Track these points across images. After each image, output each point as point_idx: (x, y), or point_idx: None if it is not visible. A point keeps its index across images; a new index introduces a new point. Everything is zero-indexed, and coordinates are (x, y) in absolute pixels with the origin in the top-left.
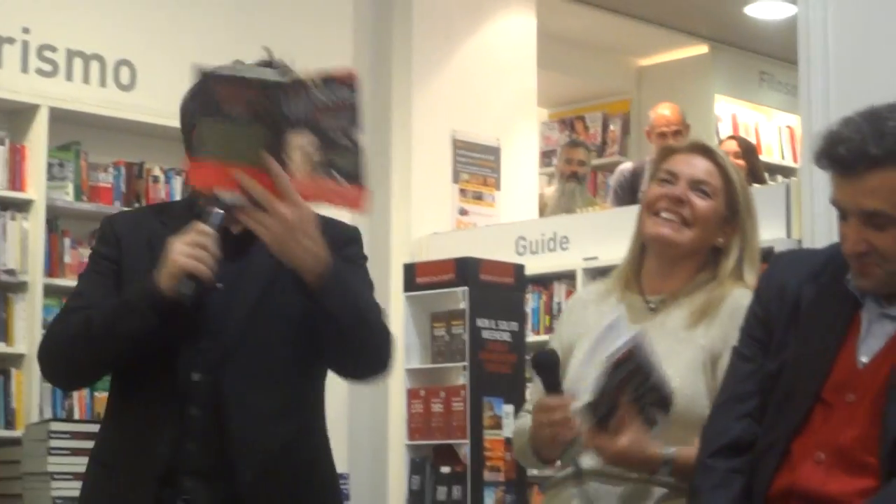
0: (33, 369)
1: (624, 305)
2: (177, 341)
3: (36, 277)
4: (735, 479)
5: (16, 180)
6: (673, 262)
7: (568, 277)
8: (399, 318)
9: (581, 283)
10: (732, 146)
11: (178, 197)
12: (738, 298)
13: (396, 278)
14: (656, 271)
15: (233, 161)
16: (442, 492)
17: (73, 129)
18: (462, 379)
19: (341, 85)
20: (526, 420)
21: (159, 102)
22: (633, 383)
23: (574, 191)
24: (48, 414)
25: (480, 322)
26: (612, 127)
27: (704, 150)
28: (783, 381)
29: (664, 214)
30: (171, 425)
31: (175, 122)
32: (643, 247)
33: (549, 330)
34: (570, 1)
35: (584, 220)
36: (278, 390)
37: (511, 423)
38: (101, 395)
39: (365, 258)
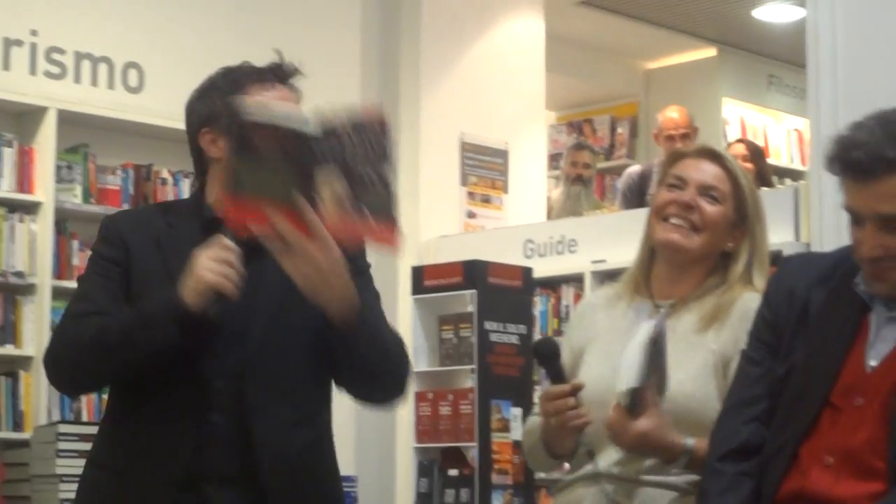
0: (41, 371)
1: (633, 310)
2: (196, 349)
3: (44, 280)
4: (744, 482)
5: (24, 182)
6: (683, 268)
7: (576, 280)
8: (407, 321)
9: (589, 286)
10: (740, 149)
11: None
12: (748, 302)
13: (404, 281)
14: (666, 276)
15: (267, 200)
16: (450, 495)
17: (81, 132)
18: (470, 382)
19: (371, 127)
20: (536, 419)
21: (167, 105)
22: (655, 366)
23: (579, 194)
24: (56, 416)
25: (488, 325)
26: (619, 130)
27: (713, 155)
28: (792, 385)
29: (673, 220)
30: (191, 432)
31: (183, 124)
32: (652, 251)
33: (558, 333)
34: (578, 4)
35: (592, 223)
36: (297, 398)
37: (519, 426)
38: None
39: (370, 265)
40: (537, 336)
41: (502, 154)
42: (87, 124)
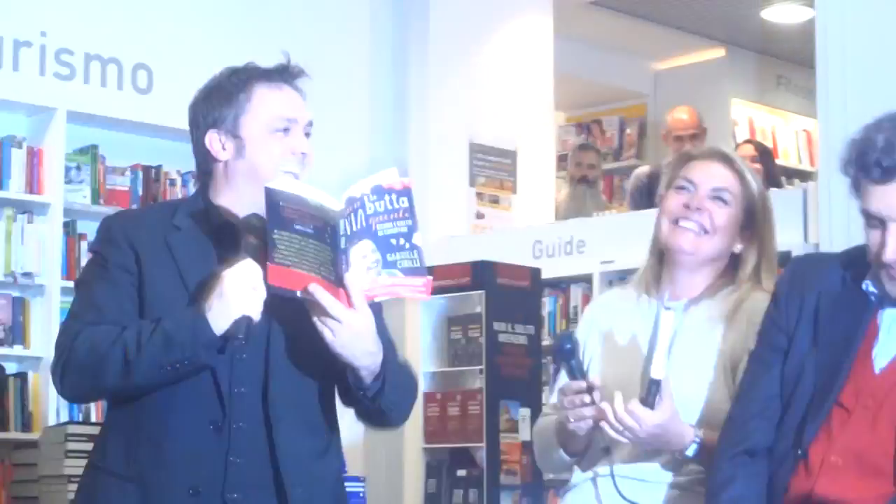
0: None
1: (642, 312)
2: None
3: (53, 280)
4: (752, 483)
5: (33, 183)
6: (692, 270)
7: (584, 281)
8: (415, 322)
9: (598, 287)
10: (749, 150)
11: None
12: (756, 303)
13: None
14: (675, 278)
15: (305, 271)
16: (458, 495)
17: (90, 133)
18: (478, 382)
19: (394, 193)
20: (545, 420)
21: (176, 106)
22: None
23: (584, 194)
24: (65, 417)
25: (497, 326)
26: (628, 130)
27: (723, 157)
28: (801, 386)
29: (683, 223)
30: (214, 439)
31: None
32: (662, 253)
33: None
34: (587, 4)
35: (600, 224)
36: (312, 404)
37: (527, 426)
38: None
39: None
40: (546, 337)
41: (511, 155)
42: (96, 125)
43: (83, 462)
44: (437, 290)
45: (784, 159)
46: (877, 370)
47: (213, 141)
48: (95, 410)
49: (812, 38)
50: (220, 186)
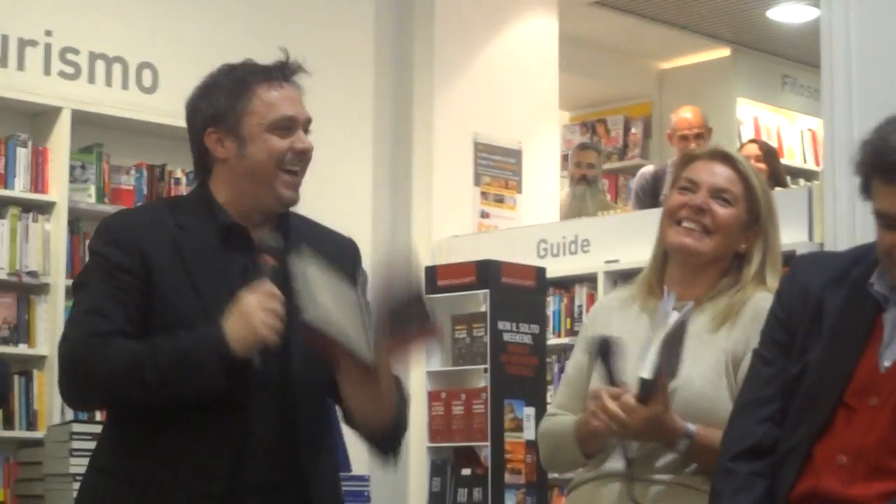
0: (55, 371)
1: (647, 313)
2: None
3: (58, 279)
4: (757, 482)
5: (38, 182)
6: (696, 270)
7: (589, 280)
8: None
9: (602, 286)
10: (753, 150)
11: None
12: (760, 302)
13: None
14: (679, 278)
15: (337, 341)
16: (462, 494)
17: (95, 132)
18: (483, 381)
19: (400, 267)
20: (556, 420)
21: (181, 105)
22: (670, 353)
23: (584, 194)
24: (70, 415)
25: (501, 325)
26: (633, 130)
27: (725, 157)
28: (805, 385)
29: (686, 223)
30: (234, 444)
31: None
32: (666, 254)
33: (570, 333)
34: (592, 4)
35: (605, 224)
36: (323, 405)
37: (532, 425)
38: None
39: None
40: (550, 336)
41: (516, 154)
42: (101, 124)
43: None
44: (441, 289)
45: (789, 159)
46: (882, 369)
47: (213, 139)
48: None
49: (817, 37)
50: (221, 184)
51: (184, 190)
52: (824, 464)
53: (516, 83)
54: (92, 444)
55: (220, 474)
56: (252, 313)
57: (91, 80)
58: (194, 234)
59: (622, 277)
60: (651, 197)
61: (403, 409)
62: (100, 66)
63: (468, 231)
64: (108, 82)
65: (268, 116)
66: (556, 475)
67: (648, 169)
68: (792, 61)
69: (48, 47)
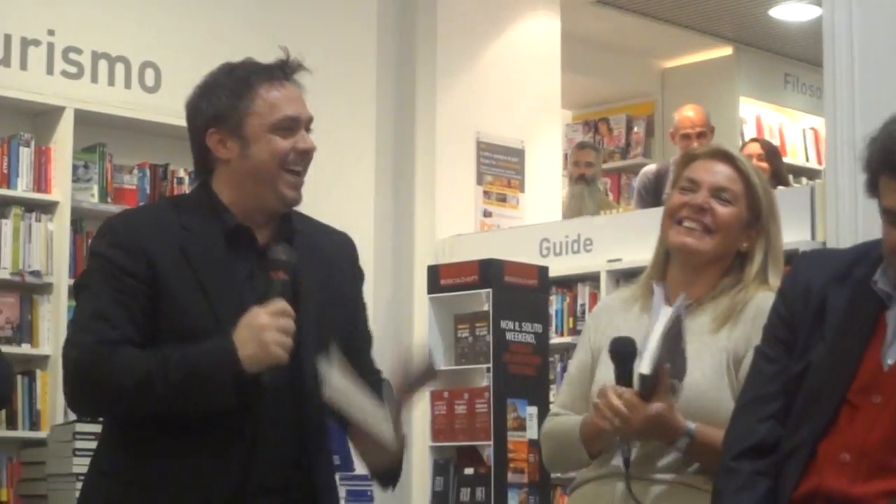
0: (58, 371)
1: (648, 313)
2: None
3: (61, 279)
4: (759, 481)
5: (41, 182)
6: (697, 269)
7: (592, 279)
8: (423, 320)
9: (605, 285)
10: (756, 149)
11: None
12: (762, 301)
13: (420, 280)
14: (681, 278)
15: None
16: (465, 493)
17: (98, 131)
18: (486, 381)
19: (418, 356)
20: (560, 420)
21: (184, 104)
22: (671, 352)
23: (582, 193)
24: (73, 415)
25: (504, 324)
26: (636, 129)
27: (725, 156)
28: (808, 383)
29: (686, 223)
30: (241, 444)
31: None
32: (667, 253)
33: (573, 332)
34: (595, 3)
35: (607, 223)
36: (323, 406)
37: (535, 424)
38: None
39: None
40: (553, 335)
41: (518, 153)
42: (104, 124)
43: None
44: (444, 288)
45: (791, 157)
46: (885, 367)
47: (215, 139)
48: None
49: (820, 36)
50: (224, 184)
51: (187, 189)
52: (827, 462)
53: (519, 82)
54: (95, 444)
55: (229, 478)
56: (265, 332)
57: (94, 79)
58: (200, 236)
59: (625, 276)
60: (654, 196)
61: (404, 449)
62: (103, 65)
63: (471, 230)
64: (111, 82)
65: (271, 117)
66: (558, 474)
67: (651, 168)
68: (794, 60)
69: (51, 47)
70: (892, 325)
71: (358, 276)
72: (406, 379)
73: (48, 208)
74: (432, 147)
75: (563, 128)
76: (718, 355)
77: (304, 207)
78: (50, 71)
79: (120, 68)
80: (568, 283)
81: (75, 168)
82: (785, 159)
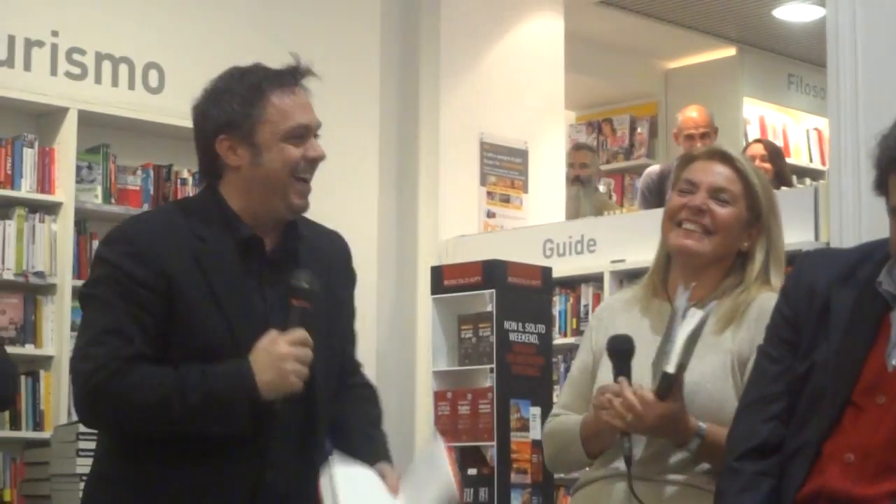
0: (62, 371)
1: (650, 315)
2: None
3: (64, 280)
4: (762, 481)
5: (45, 183)
6: (698, 271)
7: (595, 280)
8: (426, 321)
9: (608, 286)
10: (759, 149)
11: None
12: (765, 302)
13: (424, 281)
14: (682, 279)
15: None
16: (469, 494)
17: (101, 132)
18: (489, 381)
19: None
20: (561, 420)
21: (188, 105)
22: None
23: (578, 194)
24: (76, 416)
25: (507, 324)
26: (639, 129)
27: (723, 157)
28: (812, 383)
29: (686, 225)
30: (252, 454)
31: None
32: (669, 255)
33: (577, 332)
34: (598, 4)
35: (611, 223)
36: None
37: (538, 425)
38: None
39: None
40: (556, 336)
41: (522, 154)
42: (108, 125)
43: None
44: (447, 289)
45: (795, 158)
46: (889, 368)
47: (225, 146)
48: None
49: (823, 36)
50: (233, 191)
51: (190, 191)
52: (832, 462)
53: (522, 83)
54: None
55: (243, 486)
56: (285, 362)
57: (97, 80)
58: (214, 247)
59: (628, 277)
60: (657, 196)
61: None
62: (106, 66)
63: (474, 231)
64: (115, 83)
65: (283, 125)
66: (561, 475)
67: (654, 168)
68: (798, 60)
69: (55, 48)
70: None
71: (352, 277)
72: None
73: (52, 209)
74: (436, 148)
75: (566, 128)
76: (723, 357)
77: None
78: (53, 72)
79: (123, 69)
80: (571, 284)
81: (79, 169)
82: (788, 160)
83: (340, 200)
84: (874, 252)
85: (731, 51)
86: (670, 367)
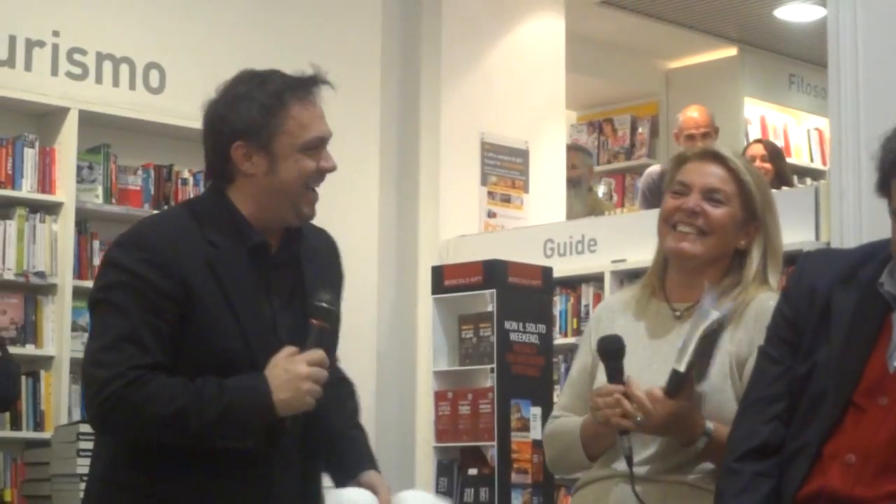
0: (62, 371)
1: (648, 317)
2: None
3: (65, 280)
4: (762, 482)
5: (45, 183)
6: (695, 272)
7: (596, 280)
8: (427, 321)
9: (609, 286)
10: (759, 150)
11: None
12: (763, 302)
13: (424, 281)
14: (680, 281)
15: None
16: (469, 494)
17: (102, 132)
18: (489, 381)
19: None
20: (561, 422)
21: (188, 105)
22: (705, 353)
23: (568, 195)
24: (77, 416)
25: (508, 324)
26: (640, 129)
27: (715, 157)
28: (813, 384)
29: (680, 227)
30: (260, 469)
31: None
32: (666, 257)
33: (577, 332)
34: (599, 4)
35: (611, 223)
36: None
37: (539, 425)
38: None
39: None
40: (557, 335)
41: (522, 154)
42: (109, 125)
43: None
44: (448, 289)
45: (796, 158)
46: (891, 369)
47: (240, 153)
48: None
49: (824, 36)
50: (243, 197)
51: (191, 191)
52: (833, 463)
53: (523, 83)
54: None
55: (255, 497)
56: (303, 382)
57: (98, 80)
58: (226, 253)
59: (629, 277)
60: (658, 196)
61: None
62: (107, 66)
63: (475, 231)
64: (116, 83)
65: (301, 137)
66: (562, 475)
67: (655, 168)
68: (799, 60)
69: (55, 48)
70: None
71: (342, 275)
72: None
73: (52, 209)
74: (436, 148)
75: (567, 128)
76: (721, 358)
77: None
78: (54, 72)
79: (124, 69)
80: (572, 284)
81: (80, 169)
82: (789, 160)
83: (341, 200)
84: (875, 253)
85: (732, 51)
86: (680, 366)
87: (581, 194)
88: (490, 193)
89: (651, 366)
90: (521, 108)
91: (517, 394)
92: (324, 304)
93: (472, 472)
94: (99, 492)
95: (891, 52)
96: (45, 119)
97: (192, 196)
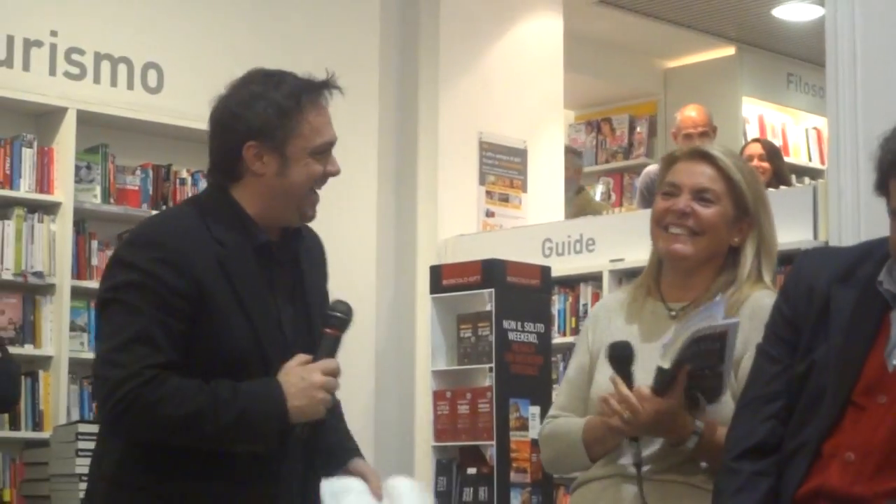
0: (61, 371)
1: (643, 317)
2: None
3: (63, 280)
4: (760, 481)
5: (43, 183)
6: (689, 272)
7: (594, 279)
8: (425, 320)
9: (607, 285)
10: (757, 149)
11: None
12: (758, 300)
13: (423, 280)
14: (674, 281)
15: None
16: (468, 493)
17: (100, 132)
18: (488, 380)
19: None
20: (560, 422)
21: (187, 105)
22: (702, 361)
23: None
24: (76, 415)
25: (507, 324)
26: (638, 129)
27: (704, 156)
28: (812, 383)
29: (672, 229)
30: (267, 474)
31: (202, 124)
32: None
33: (576, 332)
34: (597, 3)
35: (610, 223)
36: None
37: (537, 424)
38: None
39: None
40: (555, 335)
41: (521, 153)
42: (107, 124)
43: None
44: (446, 289)
45: (794, 157)
46: (890, 367)
47: (252, 153)
48: None
49: (822, 36)
50: (249, 196)
51: (189, 190)
52: (832, 462)
53: (521, 82)
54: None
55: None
56: (318, 391)
57: (96, 80)
58: (235, 253)
59: (627, 276)
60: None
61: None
62: (105, 66)
63: (473, 230)
64: (114, 83)
65: (313, 141)
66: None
67: (653, 168)
68: (797, 60)
69: (53, 48)
70: None
71: (326, 277)
72: None
73: (51, 209)
74: (435, 147)
75: (565, 128)
76: None
77: None
78: (52, 72)
79: (122, 69)
80: (570, 283)
81: (78, 169)
82: (787, 159)
83: (340, 199)
84: (874, 251)
85: (730, 50)
86: (665, 363)
87: (569, 196)
88: (488, 193)
89: (646, 366)
90: (519, 108)
91: (516, 393)
92: (338, 314)
93: (471, 471)
94: (104, 492)
95: (889, 52)
96: (44, 119)
97: (189, 195)
